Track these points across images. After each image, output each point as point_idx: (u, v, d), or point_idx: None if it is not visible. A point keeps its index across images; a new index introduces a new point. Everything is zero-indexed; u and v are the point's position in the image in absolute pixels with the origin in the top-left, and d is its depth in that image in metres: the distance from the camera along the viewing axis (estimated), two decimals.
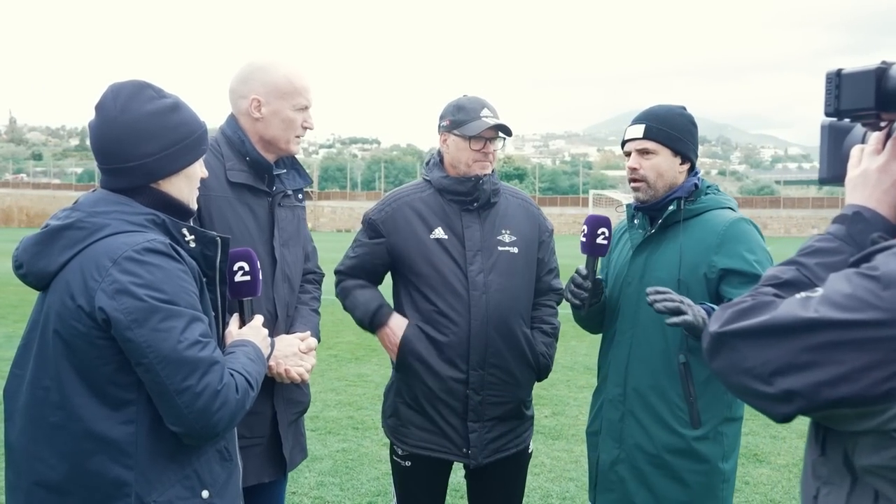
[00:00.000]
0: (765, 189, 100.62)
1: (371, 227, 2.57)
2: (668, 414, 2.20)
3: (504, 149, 2.57)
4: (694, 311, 1.99)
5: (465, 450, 2.47)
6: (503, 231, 2.52)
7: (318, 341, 2.40)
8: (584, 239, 2.32)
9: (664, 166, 2.26)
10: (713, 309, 1.99)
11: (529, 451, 2.66)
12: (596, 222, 2.30)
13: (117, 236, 1.55)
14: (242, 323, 1.88)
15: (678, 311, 1.98)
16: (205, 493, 1.62)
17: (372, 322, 2.53)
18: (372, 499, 4.23)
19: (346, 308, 2.63)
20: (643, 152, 2.28)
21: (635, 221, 2.37)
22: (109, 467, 1.52)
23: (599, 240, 2.30)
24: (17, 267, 1.63)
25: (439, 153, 2.59)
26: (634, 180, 2.30)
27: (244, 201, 2.25)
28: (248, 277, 1.87)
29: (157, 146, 1.61)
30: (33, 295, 1.67)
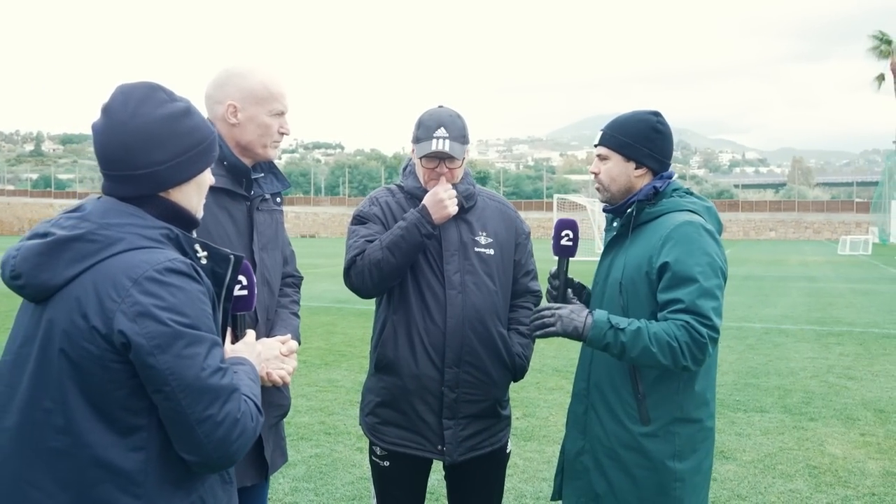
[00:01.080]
0: (724, 193, 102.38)
1: (363, 218, 2.59)
2: (621, 410, 2.26)
3: (465, 159, 2.55)
4: (565, 323, 2.17)
5: (440, 446, 2.50)
6: (480, 233, 2.57)
7: (299, 344, 2.40)
8: (552, 241, 2.41)
9: (615, 171, 2.34)
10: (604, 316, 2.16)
11: (507, 450, 2.70)
12: (561, 225, 2.38)
13: (134, 253, 1.46)
14: (235, 338, 1.81)
15: (543, 327, 2.20)
16: None
17: (419, 226, 2.43)
18: (348, 503, 4.23)
19: (387, 261, 2.42)
20: (600, 157, 2.37)
21: (614, 224, 2.42)
22: (117, 497, 1.44)
23: (564, 241, 2.37)
24: (14, 277, 1.51)
25: (411, 161, 2.63)
26: (597, 183, 2.39)
27: (223, 205, 2.24)
28: (245, 292, 1.82)
29: (168, 153, 1.52)
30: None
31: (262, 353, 2.06)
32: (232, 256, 1.63)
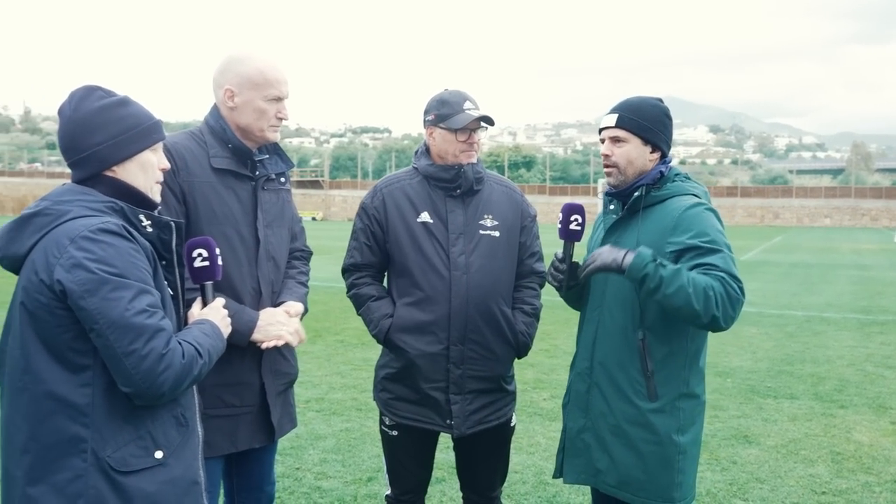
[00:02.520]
0: (778, 179, 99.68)
1: (366, 212, 2.73)
2: (628, 387, 2.34)
3: (487, 136, 2.70)
4: (605, 256, 2.27)
5: (448, 421, 2.63)
6: (485, 216, 2.67)
7: (306, 310, 2.54)
8: (559, 225, 2.48)
9: (634, 154, 2.39)
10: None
11: (512, 424, 2.82)
12: (570, 210, 2.44)
13: (77, 220, 1.72)
14: (204, 304, 2.02)
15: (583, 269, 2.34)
16: (158, 454, 1.77)
17: (384, 343, 2.69)
18: (372, 474, 4.40)
19: (358, 314, 2.75)
20: (615, 140, 2.41)
21: (611, 207, 2.50)
22: (69, 426, 1.68)
23: (573, 226, 2.43)
24: None
25: (425, 144, 2.74)
26: (607, 166, 2.44)
27: (228, 185, 2.38)
28: (206, 263, 2.01)
29: (105, 136, 1.80)
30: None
31: (263, 320, 2.34)
32: (172, 223, 1.88)
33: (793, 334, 9.35)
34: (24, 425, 1.71)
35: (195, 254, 2.01)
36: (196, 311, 1.99)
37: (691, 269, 2.21)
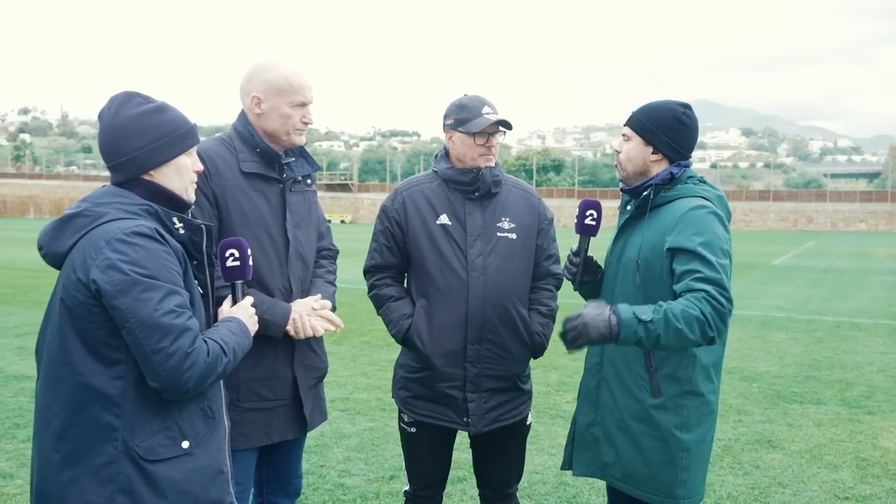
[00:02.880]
0: (812, 182, 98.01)
1: (386, 215, 2.81)
2: (633, 382, 2.39)
3: (504, 139, 2.76)
4: (592, 337, 2.15)
5: (465, 419, 2.69)
6: (503, 218, 2.73)
7: (334, 308, 2.63)
8: (576, 220, 2.55)
9: (633, 152, 2.46)
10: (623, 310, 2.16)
11: (528, 422, 2.87)
12: (586, 205, 2.50)
13: (114, 222, 1.82)
14: (234, 303, 2.11)
15: (574, 340, 2.18)
16: (185, 444, 1.86)
17: (402, 343, 2.76)
18: (394, 473, 4.48)
19: (378, 314, 2.83)
20: (625, 137, 2.50)
21: (628, 207, 2.55)
22: (101, 415, 1.79)
23: (588, 221, 2.49)
24: (39, 249, 1.92)
25: (445, 148, 2.81)
26: (616, 161, 2.53)
27: (257, 188, 2.48)
28: (237, 263, 2.10)
29: (143, 141, 1.89)
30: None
31: (296, 311, 2.45)
32: (203, 226, 1.95)
33: (822, 339, 9.24)
34: (62, 412, 1.82)
35: (227, 253, 2.11)
36: (226, 309, 2.08)
37: (679, 276, 2.23)
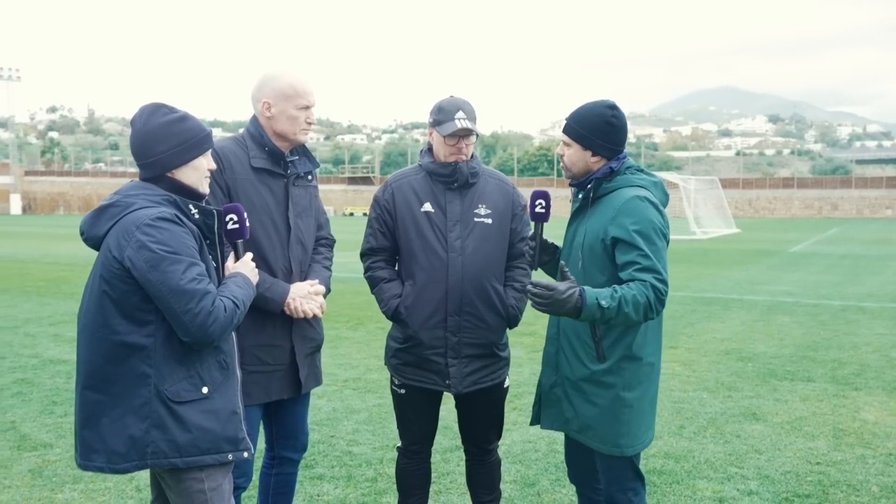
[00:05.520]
0: (839, 169, 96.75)
1: (378, 203, 3.19)
2: (582, 350, 2.74)
3: (477, 140, 3.12)
4: (561, 311, 2.51)
5: (446, 381, 3.07)
6: (480, 205, 3.09)
7: (328, 291, 3.03)
8: (528, 208, 2.91)
9: (575, 157, 2.80)
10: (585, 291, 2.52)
11: (505, 385, 3.25)
12: (535, 195, 2.84)
13: (141, 210, 2.24)
14: (237, 259, 2.52)
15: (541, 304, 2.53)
16: (205, 389, 2.28)
17: (392, 319, 3.16)
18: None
19: (372, 293, 3.21)
20: (565, 143, 2.83)
21: (580, 197, 2.90)
22: (138, 365, 2.22)
23: (537, 209, 2.83)
24: (81, 234, 2.35)
25: (429, 143, 3.18)
26: (562, 163, 2.87)
27: (264, 182, 2.89)
28: (237, 225, 2.50)
29: (166, 146, 2.31)
30: None
31: (294, 292, 2.86)
32: (214, 211, 2.37)
33: (825, 322, 9.48)
34: (106, 365, 2.23)
35: (228, 218, 2.50)
36: (230, 265, 2.49)
37: (622, 265, 2.59)
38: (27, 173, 76.97)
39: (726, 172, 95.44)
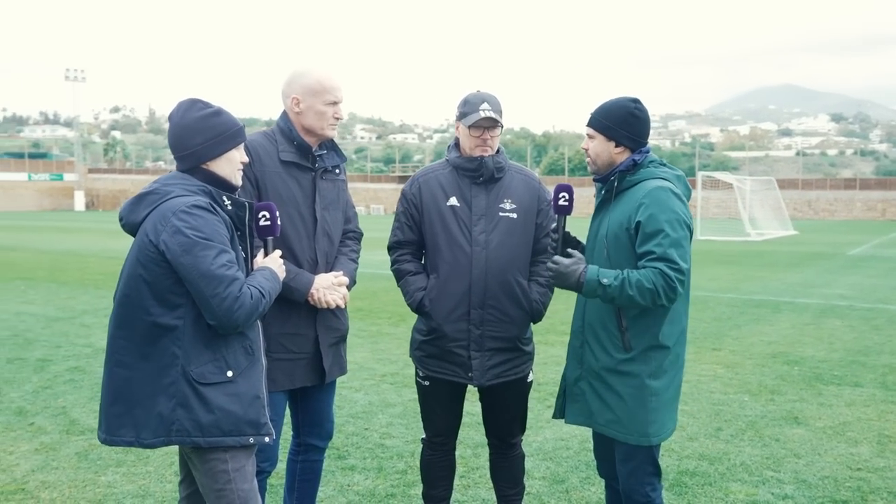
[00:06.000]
0: None
1: (405, 198, 3.24)
2: (608, 341, 2.76)
3: (502, 131, 3.13)
4: (563, 283, 2.69)
5: (469, 374, 3.10)
6: (505, 200, 3.12)
7: (354, 283, 3.09)
8: (552, 202, 2.92)
9: (599, 149, 2.83)
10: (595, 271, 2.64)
11: (529, 379, 3.26)
12: (559, 189, 2.86)
13: (177, 198, 2.36)
14: (266, 255, 2.61)
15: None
16: (229, 373, 2.38)
17: (416, 311, 3.20)
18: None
19: (398, 286, 3.27)
20: (589, 136, 2.86)
21: (602, 192, 2.90)
22: (168, 345, 2.33)
23: (561, 202, 2.86)
24: (120, 220, 2.47)
25: (456, 138, 3.21)
26: (587, 157, 2.89)
27: (292, 175, 2.96)
28: (269, 223, 2.59)
29: (202, 139, 2.42)
30: None
31: (318, 283, 2.93)
32: (246, 203, 2.45)
33: (879, 327, 9.18)
34: (141, 343, 2.35)
35: (260, 215, 2.60)
36: (259, 260, 2.59)
37: (640, 255, 2.63)
38: (91, 171, 79.60)
39: (786, 173, 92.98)
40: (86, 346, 7.83)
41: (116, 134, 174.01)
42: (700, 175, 34.60)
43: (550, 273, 2.72)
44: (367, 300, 11.16)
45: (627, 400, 2.73)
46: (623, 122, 2.78)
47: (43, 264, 16.69)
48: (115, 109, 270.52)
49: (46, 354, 7.41)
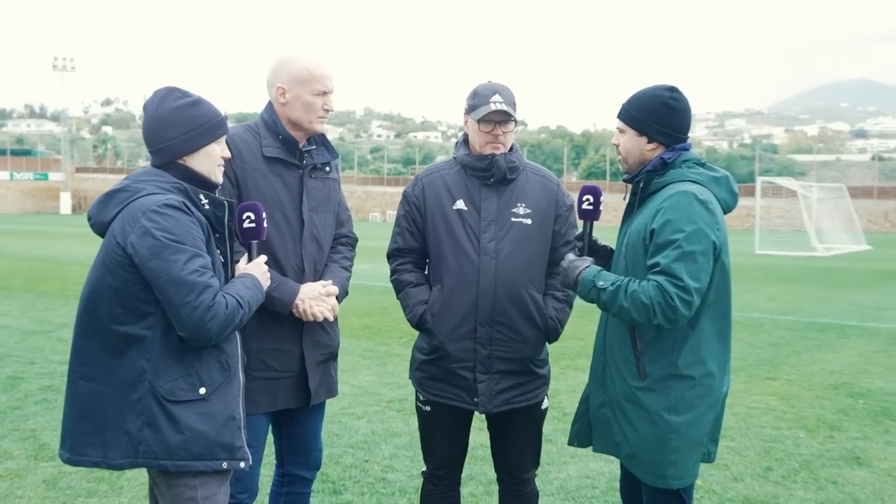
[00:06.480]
0: None
1: (407, 200, 3.25)
2: (623, 366, 2.74)
3: (515, 126, 3.13)
4: (563, 279, 2.80)
5: (474, 399, 3.09)
6: (518, 204, 3.11)
7: (346, 294, 3.11)
8: (577, 206, 2.92)
9: (629, 145, 2.81)
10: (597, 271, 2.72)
11: (543, 406, 3.25)
12: (583, 191, 2.85)
13: (149, 196, 2.38)
14: (250, 260, 2.63)
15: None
16: (202, 390, 2.40)
17: (416, 328, 3.22)
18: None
19: (397, 298, 3.28)
20: (619, 130, 2.84)
21: (629, 195, 2.89)
22: (136, 358, 2.35)
23: (584, 205, 2.84)
24: (88, 219, 2.50)
25: (465, 134, 3.22)
26: (618, 155, 2.87)
27: (276, 172, 2.99)
28: (253, 224, 2.62)
29: (178, 131, 2.45)
30: None
31: (304, 293, 2.94)
32: (225, 202, 2.47)
33: None
34: (108, 355, 2.37)
35: (244, 216, 2.63)
36: (242, 266, 2.62)
37: (648, 266, 2.61)
38: (79, 170, 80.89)
39: (859, 179, 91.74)
40: (62, 362, 7.93)
41: (108, 129, 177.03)
42: (760, 181, 34.26)
43: (559, 268, 2.79)
44: (376, 317, 11.20)
45: (643, 434, 2.70)
46: (655, 113, 2.75)
47: (21, 272, 16.99)
48: (107, 102, 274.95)
49: (18, 371, 7.53)
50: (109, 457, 2.39)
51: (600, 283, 2.64)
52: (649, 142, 2.78)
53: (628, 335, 2.72)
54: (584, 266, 2.73)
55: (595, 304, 2.70)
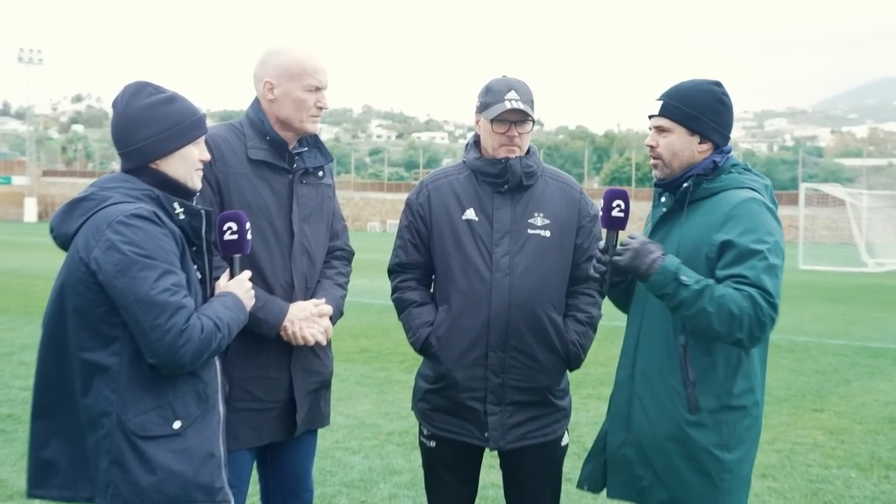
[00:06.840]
0: None
1: (410, 209, 3.22)
2: (666, 397, 2.67)
3: (533, 127, 3.08)
4: (632, 256, 2.60)
5: (485, 433, 3.05)
6: (536, 214, 3.08)
7: (341, 314, 3.07)
8: (601, 213, 2.80)
9: (678, 145, 2.74)
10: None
11: (563, 443, 3.20)
12: (612, 195, 2.75)
13: (116, 205, 2.33)
14: (231, 277, 2.60)
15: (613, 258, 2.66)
16: (177, 424, 2.36)
17: (420, 352, 3.19)
18: None
19: (399, 319, 3.26)
20: (660, 130, 2.77)
21: (662, 200, 2.84)
22: (101, 388, 2.31)
23: (615, 212, 2.74)
24: (50, 231, 2.46)
25: (476, 135, 3.20)
26: (653, 158, 2.80)
27: (263, 178, 2.96)
28: (235, 236, 2.59)
29: (150, 132, 2.41)
30: None
31: (293, 313, 2.91)
32: (203, 211, 2.44)
33: None
34: (76, 384, 2.36)
35: (225, 227, 2.60)
36: (223, 283, 2.59)
37: (723, 277, 2.54)
38: (45, 173, 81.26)
39: None
40: (24, 388, 7.89)
41: (78, 128, 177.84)
42: (804, 187, 34.18)
43: (624, 247, 2.62)
44: (375, 339, 11.16)
45: (690, 477, 2.64)
46: (710, 109, 2.72)
47: None
48: (78, 99, 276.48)
49: None
50: (79, 489, 2.40)
51: (684, 278, 2.53)
52: (701, 142, 2.74)
53: (676, 362, 2.66)
54: (660, 252, 2.60)
55: (663, 299, 2.59)
